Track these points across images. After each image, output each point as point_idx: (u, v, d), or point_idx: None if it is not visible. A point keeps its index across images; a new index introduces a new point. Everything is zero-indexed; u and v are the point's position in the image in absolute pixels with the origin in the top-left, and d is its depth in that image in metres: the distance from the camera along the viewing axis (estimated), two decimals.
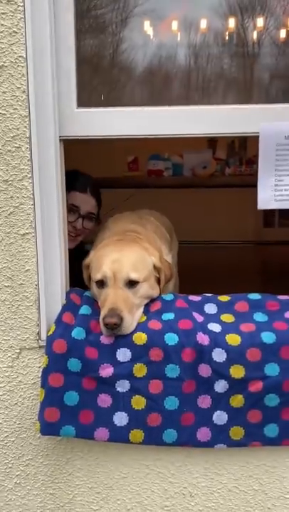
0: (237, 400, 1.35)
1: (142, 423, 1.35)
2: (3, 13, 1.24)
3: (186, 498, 1.46)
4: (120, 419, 1.35)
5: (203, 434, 1.37)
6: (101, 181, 3.89)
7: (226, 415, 1.36)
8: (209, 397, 1.36)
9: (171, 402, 1.34)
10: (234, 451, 1.41)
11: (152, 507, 1.46)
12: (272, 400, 1.35)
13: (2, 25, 1.25)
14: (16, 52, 1.26)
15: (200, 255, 3.98)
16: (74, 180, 1.96)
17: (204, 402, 1.36)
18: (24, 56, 1.26)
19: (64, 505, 1.48)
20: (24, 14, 1.24)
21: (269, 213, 5.15)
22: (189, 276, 2.36)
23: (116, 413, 1.35)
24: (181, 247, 2.30)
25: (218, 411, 1.36)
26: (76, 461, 1.45)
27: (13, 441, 1.46)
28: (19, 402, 1.44)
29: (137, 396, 1.34)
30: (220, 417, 1.36)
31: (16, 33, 1.25)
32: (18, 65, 1.27)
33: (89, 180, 2.16)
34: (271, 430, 1.37)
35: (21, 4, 1.24)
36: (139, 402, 1.34)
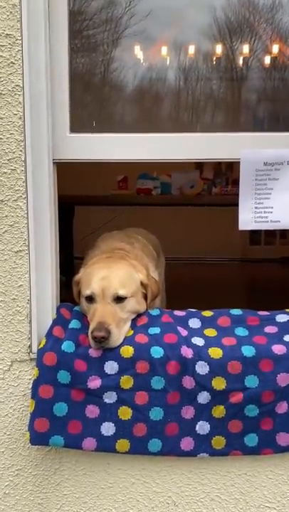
0: (219, 411, 1.42)
1: (128, 433, 1.41)
2: (2, 46, 1.33)
3: (170, 506, 1.51)
4: (107, 429, 1.40)
5: (187, 443, 1.43)
6: (91, 199, 3.99)
7: (208, 425, 1.42)
8: (192, 407, 1.42)
9: (156, 413, 1.40)
10: (216, 461, 1.47)
11: None
12: (251, 411, 1.41)
13: (1, 56, 1.33)
14: (13, 82, 1.35)
15: (187, 272, 4.07)
16: None
17: (188, 412, 1.42)
18: (21, 85, 1.35)
19: None
20: (22, 46, 1.33)
21: (255, 231, 5.26)
22: (176, 293, 2.43)
23: (103, 423, 1.41)
24: (169, 264, 2.38)
25: (200, 421, 1.42)
26: (64, 471, 1.50)
27: (2, 451, 1.50)
28: (9, 413, 1.49)
29: (123, 407, 1.40)
30: (202, 427, 1.42)
31: (14, 63, 1.34)
32: (15, 93, 1.35)
33: None
34: (251, 440, 1.43)
35: (19, 38, 1.33)
36: (125, 413, 1.40)
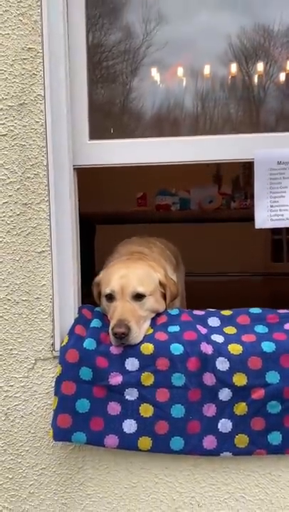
0: (241, 408, 1.41)
1: (150, 430, 1.41)
2: (24, 59, 1.43)
3: (194, 508, 1.49)
4: (129, 426, 1.41)
5: (209, 442, 1.42)
6: (112, 216, 4.07)
7: (231, 423, 1.42)
8: (214, 405, 1.42)
9: (178, 410, 1.41)
10: (240, 460, 1.46)
11: None
12: (274, 407, 1.41)
13: (24, 68, 1.43)
14: (35, 92, 1.44)
15: (208, 287, 4.05)
16: None
17: (209, 410, 1.42)
18: (42, 95, 1.44)
19: None
20: (43, 59, 1.43)
21: (278, 248, 5.23)
22: (197, 307, 2.43)
23: (125, 420, 1.42)
24: (189, 279, 2.39)
25: (223, 419, 1.42)
26: (88, 470, 1.51)
27: (27, 450, 1.52)
28: (33, 411, 1.52)
29: (145, 404, 1.42)
30: (225, 425, 1.42)
31: (36, 75, 1.43)
32: (37, 103, 1.45)
33: None
34: (275, 438, 1.42)
35: (40, 51, 1.43)
36: (147, 410, 1.41)
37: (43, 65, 1.43)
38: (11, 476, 1.53)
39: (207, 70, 3.86)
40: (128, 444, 1.42)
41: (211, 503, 1.49)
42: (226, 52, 3.79)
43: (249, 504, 1.48)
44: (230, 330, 1.53)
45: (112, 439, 1.42)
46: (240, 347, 1.45)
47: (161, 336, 1.48)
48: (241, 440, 1.42)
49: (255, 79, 4.13)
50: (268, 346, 1.44)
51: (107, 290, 1.52)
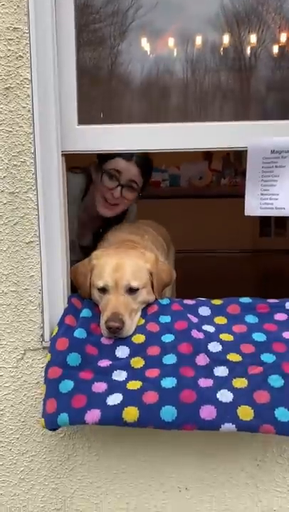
0: (240, 382, 1.30)
1: (136, 401, 1.27)
2: (10, 39, 1.35)
3: (182, 491, 1.53)
4: (114, 399, 1.28)
5: (207, 412, 1.25)
6: None
7: (231, 394, 1.28)
8: (210, 379, 1.31)
9: (169, 382, 1.29)
10: (226, 445, 1.49)
11: (150, 500, 1.54)
12: (276, 381, 1.30)
13: (9, 50, 1.35)
14: (21, 75, 1.37)
15: (197, 264, 4.07)
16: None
17: (205, 383, 1.30)
18: (29, 78, 1.37)
19: (66, 499, 1.56)
20: (29, 40, 1.35)
21: (265, 223, 5.24)
22: (186, 285, 2.44)
23: (110, 396, 1.30)
24: (178, 256, 2.39)
25: (222, 389, 1.29)
26: (77, 457, 1.53)
27: (17, 438, 1.54)
28: (23, 400, 1.52)
29: (133, 381, 1.32)
30: (225, 395, 1.27)
31: (22, 57, 1.36)
32: (24, 87, 1.37)
33: (138, 153, 2.02)
34: (282, 414, 1.26)
35: (26, 31, 1.34)
36: (134, 385, 1.31)
37: (30, 46, 1.35)
38: (1, 463, 1.55)
39: (198, 35, 3.72)
40: (111, 416, 1.26)
41: (198, 487, 1.53)
42: (218, 16, 3.64)
43: (235, 488, 1.52)
44: (220, 320, 1.53)
45: (93, 414, 1.26)
46: (232, 336, 1.46)
47: (152, 327, 1.47)
48: (245, 412, 1.25)
49: (247, 46, 4.01)
50: (259, 337, 1.45)
51: (100, 283, 1.50)
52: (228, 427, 1.25)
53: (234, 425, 1.25)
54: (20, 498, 1.57)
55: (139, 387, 1.30)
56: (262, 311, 1.56)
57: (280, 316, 1.53)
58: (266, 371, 1.32)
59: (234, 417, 1.25)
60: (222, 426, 1.25)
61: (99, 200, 2.06)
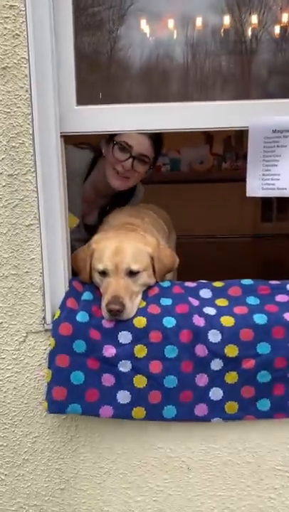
0: (231, 377, 1.45)
1: (143, 400, 1.44)
2: (6, 17, 1.32)
3: (184, 470, 1.55)
4: (123, 397, 1.44)
5: (201, 409, 1.46)
6: None
7: (222, 391, 1.46)
8: (206, 375, 1.45)
9: (171, 381, 1.43)
10: (228, 426, 1.50)
11: (152, 480, 1.56)
12: (264, 377, 1.44)
13: (5, 28, 1.33)
14: (18, 54, 1.35)
15: (198, 249, 4.05)
16: None
17: (201, 380, 1.45)
18: (27, 57, 1.35)
19: (69, 479, 1.58)
20: (26, 18, 1.32)
21: (267, 208, 5.21)
22: (188, 270, 2.43)
23: (119, 391, 1.44)
24: (179, 241, 2.38)
25: (214, 387, 1.46)
26: (80, 437, 1.55)
27: (20, 419, 1.55)
28: (26, 383, 1.53)
29: (138, 375, 1.43)
30: (215, 393, 1.46)
31: (19, 35, 1.33)
32: (21, 66, 1.35)
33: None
34: (263, 404, 1.47)
35: (23, 9, 1.32)
36: (140, 381, 1.44)
37: (27, 24, 1.32)
38: (5, 444, 1.57)
39: (198, 18, 3.67)
40: (122, 413, 1.45)
41: (200, 466, 1.54)
42: None
43: (236, 467, 1.54)
44: (222, 302, 1.53)
45: (107, 410, 1.45)
46: (232, 319, 1.46)
47: (153, 310, 1.48)
48: (231, 407, 1.47)
49: (248, 27, 3.95)
50: (259, 318, 1.46)
51: (100, 266, 1.50)
52: (217, 420, 1.48)
53: (221, 418, 1.48)
54: (24, 479, 1.59)
55: (144, 385, 1.43)
56: (263, 292, 1.56)
57: (281, 298, 1.53)
58: (257, 366, 1.43)
59: (221, 411, 1.47)
60: (212, 420, 1.48)
61: (110, 172, 2.02)
